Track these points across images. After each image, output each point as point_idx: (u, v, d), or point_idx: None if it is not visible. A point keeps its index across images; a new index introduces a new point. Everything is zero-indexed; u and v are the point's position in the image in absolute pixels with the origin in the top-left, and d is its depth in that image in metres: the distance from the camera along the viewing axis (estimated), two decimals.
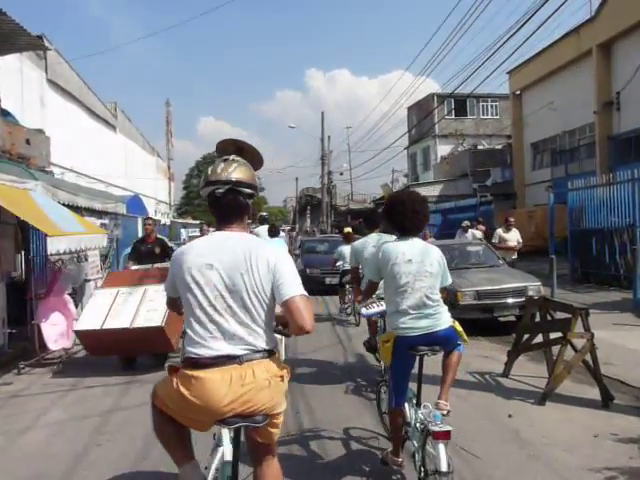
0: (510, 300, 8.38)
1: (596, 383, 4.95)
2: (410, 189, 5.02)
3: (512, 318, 8.78)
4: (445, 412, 3.25)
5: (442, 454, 2.84)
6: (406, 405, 3.48)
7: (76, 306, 7.97)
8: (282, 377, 2.34)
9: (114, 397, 5.62)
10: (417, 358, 3.35)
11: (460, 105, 32.89)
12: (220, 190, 2.38)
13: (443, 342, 3.37)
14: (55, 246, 6.47)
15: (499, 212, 20.80)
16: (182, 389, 2.25)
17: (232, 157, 2.49)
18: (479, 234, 13.52)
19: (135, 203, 21.88)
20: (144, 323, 6.15)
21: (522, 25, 13.17)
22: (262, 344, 2.32)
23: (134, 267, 7.57)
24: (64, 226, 7.03)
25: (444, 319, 3.38)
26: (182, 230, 33.60)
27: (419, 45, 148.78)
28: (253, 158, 2.83)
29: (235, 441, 2.33)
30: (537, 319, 5.94)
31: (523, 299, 8.29)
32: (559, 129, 22.68)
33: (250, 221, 2.85)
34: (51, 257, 7.51)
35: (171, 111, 44.18)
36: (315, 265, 13.99)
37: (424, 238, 14.89)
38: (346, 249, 8.00)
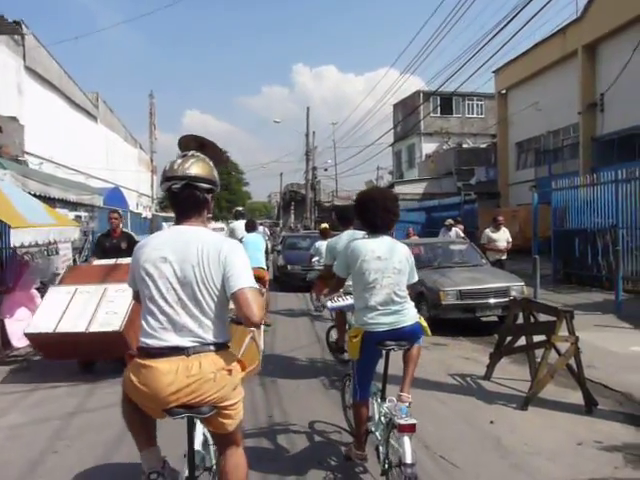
0: (492, 300, 8.25)
1: (579, 388, 4.80)
2: (378, 187, 4.87)
3: (494, 318, 8.67)
4: (407, 404, 3.29)
5: (407, 446, 2.90)
6: (370, 399, 3.53)
7: None
8: (230, 371, 2.36)
9: (79, 398, 5.32)
10: (383, 353, 3.41)
11: (446, 103, 32.82)
12: (177, 185, 2.43)
13: (409, 337, 3.41)
14: (19, 238, 6.13)
15: (483, 211, 20.81)
16: (132, 377, 2.35)
17: (191, 153, 2.54)
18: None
19: (115, 195, 21.43)
20: (101, 327, 5.56)
21: (507, 23, 13.06)
22: (211, 337, 2.36)
23: (96, 262, 7.02)
24: (31, 217, 6.69)
25: (411, 315, 3.42)
26: (164, 224, 33.09)
27: (407, 42, 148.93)
28: (215, 154, 2.86)
29: (189, 430, 2.40)
30: (519, 320, 5.81)
31: (506, 299, 8.19)
32: (543, 129, 22.71)
33: (210, 215, 2.75)
34: (18, 250, 7.16)
35: (155, 103, 43.41)
36: (296, 261, 13.76)
37: (408, 236, 14.84)
38: (322, 245, 7.85)
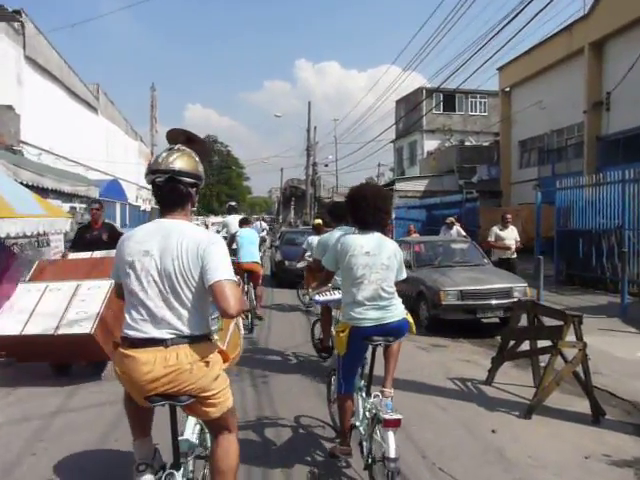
0: (494, 301, 8.03)
1: (587, 396, 4.58)
2: (371, 183, 4.68)
3: (496, 320, 8.45)
4: (390, 398, 3.35)
5: (391, 441, 2.92)
6: (355, 394, 3.59)
7: None
8: (207, 362, 2.41)
9: (62, 397, 5.10)
10: (370, 348, 3.45)
11: (448, 100, 32.53)
12: (160, 179, 2.49)
13: (396, 333, 3.43)
14: (5, 229, 5.88)
15: (484, 210, 20.57)
16: (115, 366, 2.49)
17: (177, 146, 2.58)
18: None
19: (114, 187, 21.18)
20: (71, 329, 5.08)
21: (512, 19, 12.78)
22: (190, 329, 2.41)
23: (71, 256, 6.54)
24: (20, 208, 6.45)
25: (398, 311, 3.44)
26: None
27: (410, 39, 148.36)
28: (201, 149, 2.88)
29: (172, 418, 2.47)
30: (522, 323, 5.58)
31: (508, 301, 7.99)
32: (547, 128, 22.42)
33: (194, 208, 2.69)
34: (6, 241, 6.92)
35: (156, 96, 43.07)
36: (294, 257, 13.50)
37: (409, 233, 14.61)
38: (315, 240, 7.70)
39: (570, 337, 4.67)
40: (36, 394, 5.20)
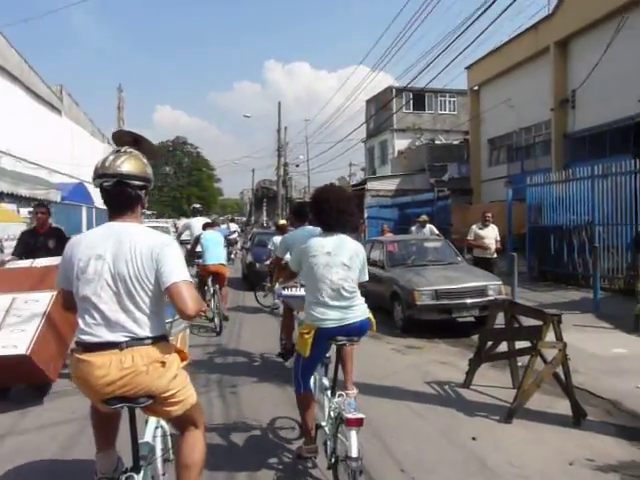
0: (469, 300, 7.91)
1: (567, 398, 4.44)
2: (335, 185, 4.60)
3: (471, 319, 8.33)
4: (353, 398, 3.44)
5: (353, 440, 2.92)
6: (320, 394, 3.70)
7: None
8: (163, 363, 2.41)
9: (14, 418, 4.71)
10: (334, 348, 3.49)
11: (418, 99, 32.61)
12: (108, 183, 2.46)
13: (359, 332, 3.47)
14: None
15: (456, 208, 20.60)
16: (71, 371, 2.50)
17: (124, 149, 2.56)
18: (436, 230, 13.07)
19: (79, 191, 20.47)
20: (4, 350, 4.46)
21: (477, 18, 12.81)
22: (145, 332, 2.41)
23: (10, 264, 5.89)
24: None
25: (360, 310, 3.47)
26: None
27: (383, 39, 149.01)
28: (149, 150, 2.89)
29: (130, 421, 2.45)
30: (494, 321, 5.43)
31: (483, 299, 7.89)
32: (516, 126, 22.60)
33: (148, 212, 2.45)
34: None
35: (123, 97, 42.11)
36: (264, 259, 13.23)
37: (382, 233, 14.46)
38: (279, 240, 7.59)
39: (549, 337, 4.54)
40: None
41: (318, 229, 3.73)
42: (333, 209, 3.45)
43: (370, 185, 27.12)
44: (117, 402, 2.37)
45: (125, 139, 2.97)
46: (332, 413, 3.40)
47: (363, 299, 3.54)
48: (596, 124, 17.86)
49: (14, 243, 8.21)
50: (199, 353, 7.06)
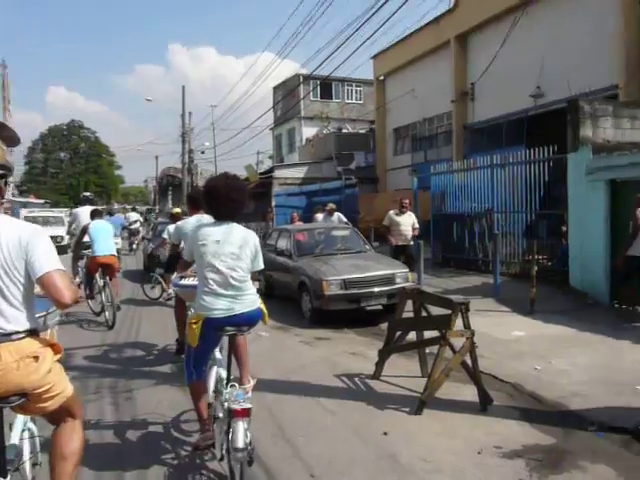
0: (377, 289, 7.88)
1: (475, 385, 4.45)
2: (228, 174, 4.40)
3: (379, 307, 8.33)
4: (246, 390, 3.48)
5: (240, 431, 2.93)
6: (217, 386, 3.62)
7: None
8: (36, 357, 2.32)
9: None
10: (224, 338, 3.53)
11: (325, 88, 32.72)
12: None
13: (249, 322, 3.46)
14: None
15: (363, 196, 20.89)
16: None
17: None
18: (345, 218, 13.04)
19: None
20: None
21: (380, 7, 12.90)
22: (15, 326, 2.32)
23: None
24: None
25: (250, 300, 3.46)
26: (21, 210, 29.58)
27: (292, 25, 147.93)
28: (9, 137, 2.71)
29: None
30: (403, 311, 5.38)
31: (391, 287, 7.90)
32: (420, 116, 23.21)
33: (41, 200, 2.17)
34: None
35: (7, 74, 38.63)
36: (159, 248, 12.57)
37: (292, 221, 14.23)
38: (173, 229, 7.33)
39: (457, 325, 4.52)
40: None
41: (207, 218, 3.71)
42: (222, 197, 3.44)
43: (278, 173, 26.81)
44: None
45: None
46: (225, 405, 3.28)
47: (255, 289, 3.57)
48: (493, 116, 18.73)
49: None
50: (92, 352, 6.47)
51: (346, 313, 7.93)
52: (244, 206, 3.60)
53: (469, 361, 4.48)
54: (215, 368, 3.76)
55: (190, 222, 5.10)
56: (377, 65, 26.03)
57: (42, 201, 32.17)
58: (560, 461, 3.56)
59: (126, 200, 76.16)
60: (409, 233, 10.07)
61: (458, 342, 4.52)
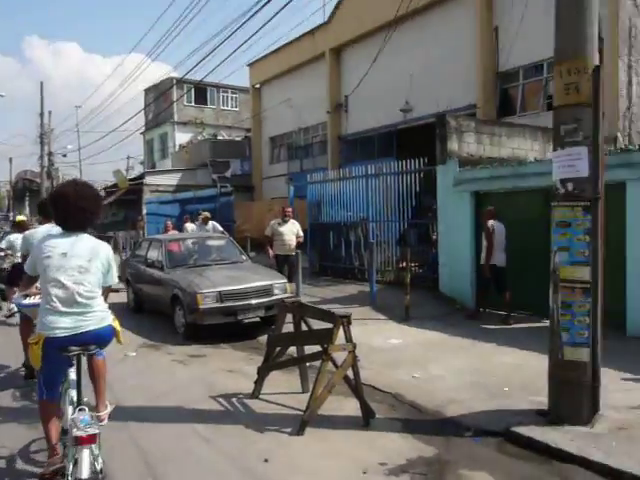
0: (255, 301, 7.58)
1: (357, 399, 4.33)
2: (77, 181, 4.06)
3: (257, 319, 8.02)
4: (105, 420, 3.39)
5: (85, 460, 2.75)
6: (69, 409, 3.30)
7: None
8: None
9: None
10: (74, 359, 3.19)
11: (200, 93, 31.87)
12: None
13: (98, 341, 3.21)
14: None
15: (239, 204, 20.50)
16: None
17: None
18: (220, 227, 12.61)
19: None
20: None
21: (253, 15, 12.83)
22: None
23: None
24: None
25: (98, 317, 3.23)
26: None
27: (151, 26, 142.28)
28: None
29: None
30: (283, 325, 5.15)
31: (269, 299, 7.65)
32: (296, 125, 23.38)
33: None
34: None
35: None
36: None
37: (166, 230, 13.44)
38: (18, 239, 6.76)
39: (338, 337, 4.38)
40: None
41: (57, 229, 3.36)
42: (71, 207, 3.21)
43: (149, 179, 25.47)
44: None
45: None
46: (72, 431, 2.99)
47: (106, 305, 3.36)
48: (366, 128, 19.39)
49: None
50: None
51: (222, 327, 7.52)
52: (96, 216, 3.38)
53: (351, 374, 4.35)
54: (69, 391, 3.35)
55: (39, 232, 4.76)
56: (253, 73, 25.85)
57: None
58: (442, 473, 3.53)
59: None
60: (293, 242, 9.85)
61: (340, 356, 4.38)
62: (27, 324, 4.92)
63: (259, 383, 4.89)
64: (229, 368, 6.00)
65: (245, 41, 22.01)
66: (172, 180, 25.74)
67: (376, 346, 6.64)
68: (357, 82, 18.19)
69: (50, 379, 3.25)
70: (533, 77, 14.33)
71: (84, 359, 3.27)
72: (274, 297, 7.69)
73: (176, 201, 22.11)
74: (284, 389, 5.10)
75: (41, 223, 5.35)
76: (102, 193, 31.13)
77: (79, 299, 3.16)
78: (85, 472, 2.70)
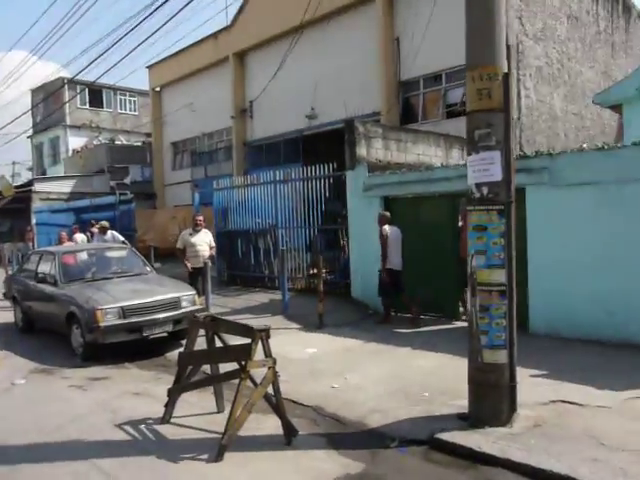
0: (162, 315, 7.09)
1: (279, 418, 4.09)
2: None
3: (164, 334, 7.52)
4: None
5: None
6: None
7: None
8: None
9: None
10: None
11: (95, 95, 30.09)
12: None
13: None
14: None
15: (140, 213, 19.48)
16: None
17: None
18: (121, 237, 11.82)
19: None
20: None
21: (149, 15, 12.28)
22: None
23: None
24: None
25: None
26: None
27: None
28: None
29: None
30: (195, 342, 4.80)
31: (177, 312, 7.21)
32: (199, 131, 22.71)
33: None
34: None
35: None
36: None
37: (61, 241, 12.37)
38: None
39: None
40: None
41: None
42: None
43: (39, 187, 23.57)
44: None
45: None
46: None
47: None
48: (272, 134, 19.22)
49: None
50: None
51: (126, 345, 6.96)
52: None
53: (271, 391, 4.10)
54: None
55: None
56: (153, 75, 24.83)
57: None
58: None
59: None
60: (206, 252, 9.27)
61: (257, 371, 4.11)
62: None
63: (170, 406, 4.50)
64: (135, 390, 5.51)
65: (143, 41, 20.74)
66: (65, 187, 24.03)
67: (292, 357, 6.41)
68: (262, 87, 18.01)
69: None
70: (433, 87, 14.90)
71: None
72: (182, 310, 7.26)
73: (71, 210, 20.59)
74: (198, 410, 4.74)
75: None
76: None
77: None
78: None
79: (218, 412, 4.68)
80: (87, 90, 28.42)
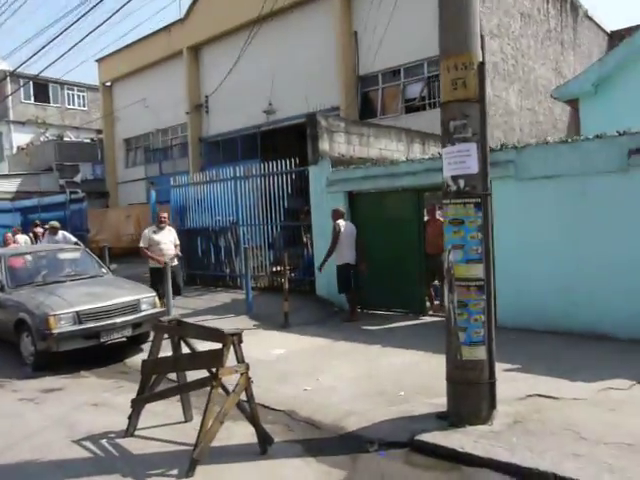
0: (120, 319, 6.71)
1: (253, 427, 3.86)
2: None
3: (123, 339, 7.15)
4: None
5: None
6: None
7: None
8: None
9: None
10: None
11: (41, 89, 28.81)
12: None
13: None
14: None
15: (92, 212, 18.77)
16: None
17: None
18: (73, 237, 11.26)
19: None
20: None
21: (93, 7, 11.74)
22: None
23: None
24: None
25: None
26: None
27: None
28: None
29: None
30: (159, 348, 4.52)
31: (136, 316, 6.86)
32: (152, 127, 22.02)
33: None
34: None
35: None
36: None
37: (6, 243, 11.71)
38: None
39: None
40: None
41: None
42: None
43: None
44: None
45: None
46: None
47: None
48: (229, 130, 18.81)
49: None
50: None
51: (82, 352, 6.56)
52: None
53: (244, 398, 3.87)
54: None
55: None
56: (103, 69, 23.94)
57: None
58: None
59: None
60: (171, 251, 8.86)
61: (229, 378, 3.87)
62: None
63: (134, 417, 4.20)
64: (94, 401, 5.15)
65: (90, 32, 19.61)
66: (10, 186, 22.89)
67: (259, 359, 6.14)
68: (218, 82, 17.58)
69: None
70: (392, 82, 14.87)
71: None
72: (142, 313, 6.93)
73: (16, 210, 19.59)
74: (164, 420, 4.46)
75: None
76: None
77: None
78: None
79: (186, 421, 4.42)
80: (32, 84, 27.18)
